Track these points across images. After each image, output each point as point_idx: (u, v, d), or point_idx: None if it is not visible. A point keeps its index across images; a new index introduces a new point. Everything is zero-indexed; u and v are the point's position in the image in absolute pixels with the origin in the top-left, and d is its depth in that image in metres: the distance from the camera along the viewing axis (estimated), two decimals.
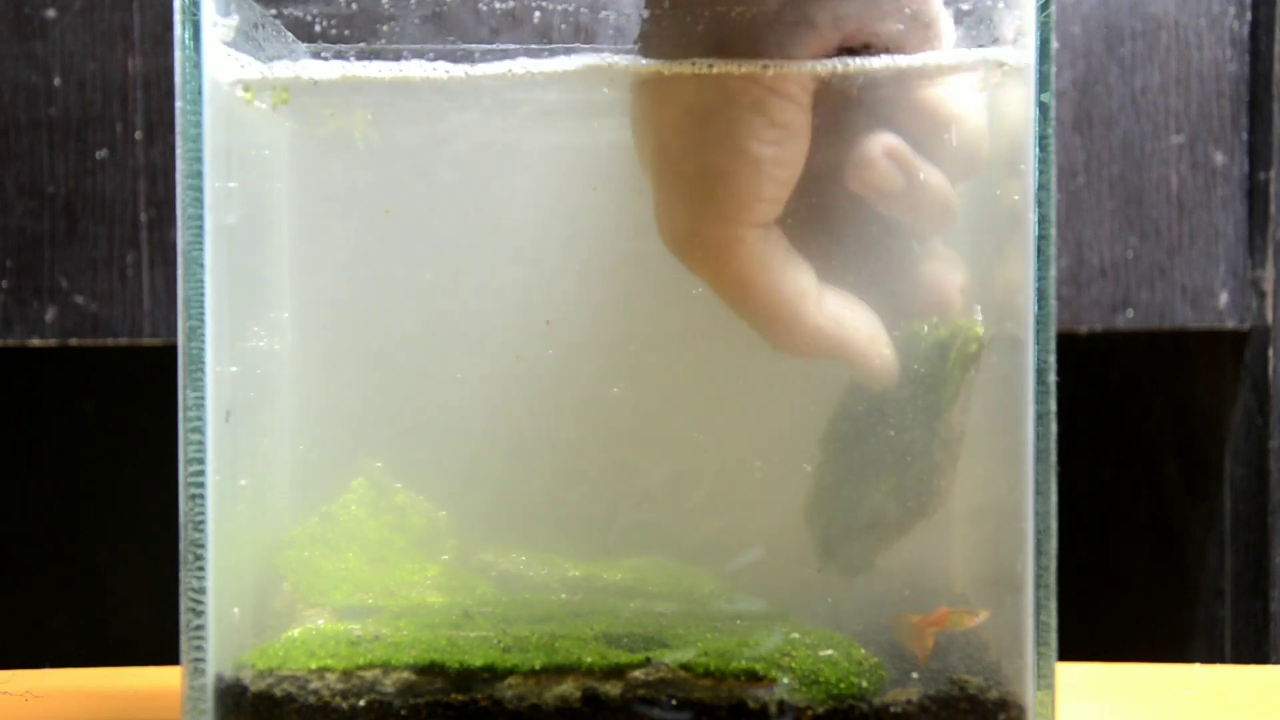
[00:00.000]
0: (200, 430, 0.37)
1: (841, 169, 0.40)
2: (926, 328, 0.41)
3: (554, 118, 0.43)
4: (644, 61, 0.39)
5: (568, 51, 0.40)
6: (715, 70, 0.39)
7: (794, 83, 0.39)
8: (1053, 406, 0.37)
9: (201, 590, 0.37)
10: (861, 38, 0.39)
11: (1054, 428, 0.37)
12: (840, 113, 0.40)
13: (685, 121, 0.40)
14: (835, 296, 0.41)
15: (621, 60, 0.39)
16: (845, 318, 0.41)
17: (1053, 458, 0.37)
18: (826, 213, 0.41)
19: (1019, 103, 0.38)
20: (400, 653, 0.38)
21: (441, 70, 0.39)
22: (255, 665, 0.38)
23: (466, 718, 0.37)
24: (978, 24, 0.41)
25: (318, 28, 0.42)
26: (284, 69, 0.40)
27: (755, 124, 0.39)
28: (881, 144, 0.40)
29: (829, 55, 0.39)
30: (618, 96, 0.42)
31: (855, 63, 0.39)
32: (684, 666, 0.37)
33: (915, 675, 0.38)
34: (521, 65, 0.39)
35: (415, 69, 0.40)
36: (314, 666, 0.38)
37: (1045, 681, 0.37)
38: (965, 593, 0.43)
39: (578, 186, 0.44)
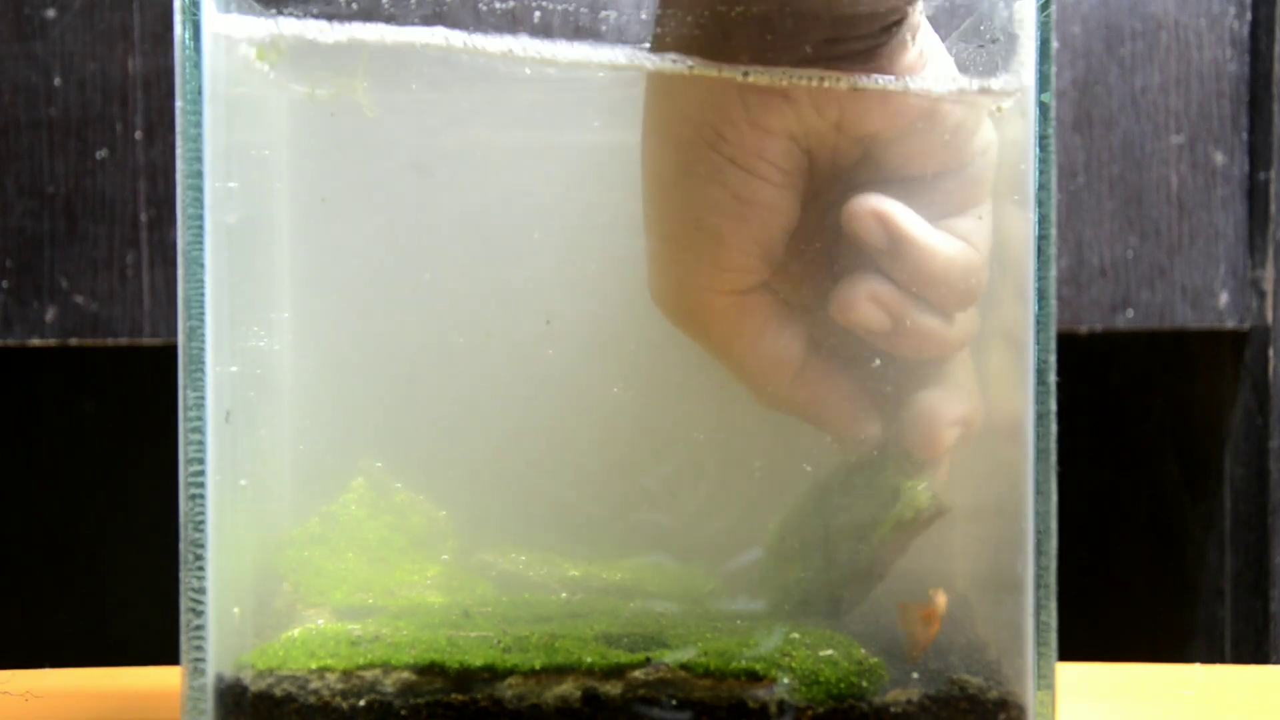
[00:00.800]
0: (200, 430, 0.37)
1: (830, 294, 0.39)
2: (864, 474, 0.41)
3: (555, 116, 0.43)
4: (653, 58, 0.39)
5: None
6: (695, 71, 0.38)
7: (758, 156, 0.38)
8: (1053, 406, 0.37)
9: (201, 590, 0.37)
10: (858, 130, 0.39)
11: (1054, 428, 0.37)
12: (833, 185, 0.40)
13: (659, 185, 0.40)
14: (819, 365, 0.41)
15: (623, 54, 0.39)
16: (822, 391, 0.41)
17: (1053, 458, 0.37)
18: (822, 278, 0.40)
19: (1019, 225, 0.38)
20: (400, 653, 0.38)
21: (440, 36, 0.39)
22: (255, 665, 0.38)
23: (466, 718, 0.37)
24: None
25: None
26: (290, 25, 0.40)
27: (713, 195, 0.38)
28: (866, 289, 0.39)
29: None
30: (619, 94, 0.42)
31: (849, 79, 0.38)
32: (684, 666, 0.37)
33: (915, 675, 0.38)
34: (528, 46, 0.39)
35: (414, 35, 0.39)
36: (314, 666, 0.38)
37: (1045, 681, 0.37)
38: (966, 593, 0.43)
39: (578, 185, 0.44)
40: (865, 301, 0.39)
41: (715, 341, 0.41)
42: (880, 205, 0.38)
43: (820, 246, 0.40)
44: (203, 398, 0.37)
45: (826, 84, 0.37)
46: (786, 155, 0.39)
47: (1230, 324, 0.67)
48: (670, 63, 0.38)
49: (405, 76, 0.42)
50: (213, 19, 0.37)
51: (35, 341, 0.65)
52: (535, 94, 0.43)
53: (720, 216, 0.39)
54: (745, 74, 0.38)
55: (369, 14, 0.41)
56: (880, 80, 0.38)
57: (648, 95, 0.40)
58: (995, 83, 0.39)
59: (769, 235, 0.39)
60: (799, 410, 0.41)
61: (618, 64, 0.39)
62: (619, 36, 0.44)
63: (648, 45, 0.39)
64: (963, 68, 0.41)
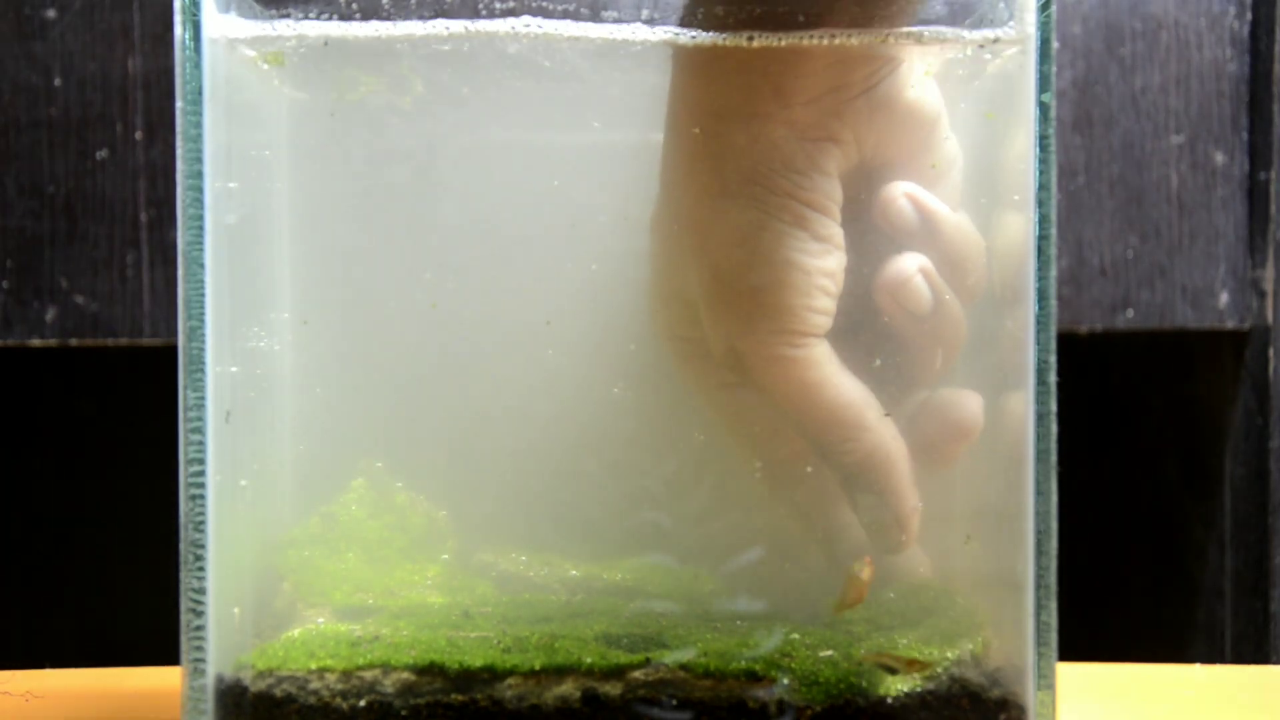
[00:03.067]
0: (200, 430, 0.37)
1: (872, 286, 0.41)
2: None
3: (555, 116, 0.43)
4: (688, 34, 0.39)
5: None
6: (755, 44, 0.39)
7: (829, 198, 0.40)
8: (1053, 406, 0.37)
9: (201, 590, 0.37)
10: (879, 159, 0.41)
11: (1054, 428, 0.37)
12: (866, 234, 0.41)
13: (732, 240, 0.40)
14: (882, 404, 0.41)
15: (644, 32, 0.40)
16: (897, 435, 0.41)
17: (1053, 458, 0.37)
18: (862, 332, 0.41)
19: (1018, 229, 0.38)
20: (400, 653, 0.38)
21: (441, 27, 0.39)
22: (255, 665, 0.38)
23: (466, 718, 0.37)
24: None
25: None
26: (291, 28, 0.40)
27: (799, 238, 0.40)
28: (917, 262, 0.40)
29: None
30: (620, 93, 0.42)
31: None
32: (684, 666, 0.37)
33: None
34: (533, 24, 0.39)
35: (419, 27, 0.40)
36: (314, 667, 0.38)
37: (1045, 681, 0.37)
38: (968, 596, 0.43)
39: (579, 185, 0.44)
40: (917, 276, 0.40)
41: (803, 389, 0.40)
42: (910, 188, 0.41)
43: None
44: (203, 398, 0.37)
45: (839, 41, 0.39)
46: (839, 193, 0.41)
47: (1230, 324, 0.67)
48: (676, 35, 0.39)
49: (407, 77, 0.42)
50: (214, 20, 0.37)
51: (35, 341, 0.65)
52: (536, 93, 0.43)
53: (808, 256, 0.40)
54: (750, 39, 0.39)
55: (369, 13, 0.41)
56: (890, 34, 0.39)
57: (686, 159, 0.41)
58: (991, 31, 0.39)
59: (840, 275, 0.41)
60: (879, 453, 0.41)
61: (614, 39, 0.39)
62: None
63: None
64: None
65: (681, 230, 0.41)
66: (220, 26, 0.38)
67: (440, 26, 0.39)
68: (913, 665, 0.38)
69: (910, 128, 0.40)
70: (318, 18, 0.40)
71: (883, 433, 0.41)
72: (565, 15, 0.40)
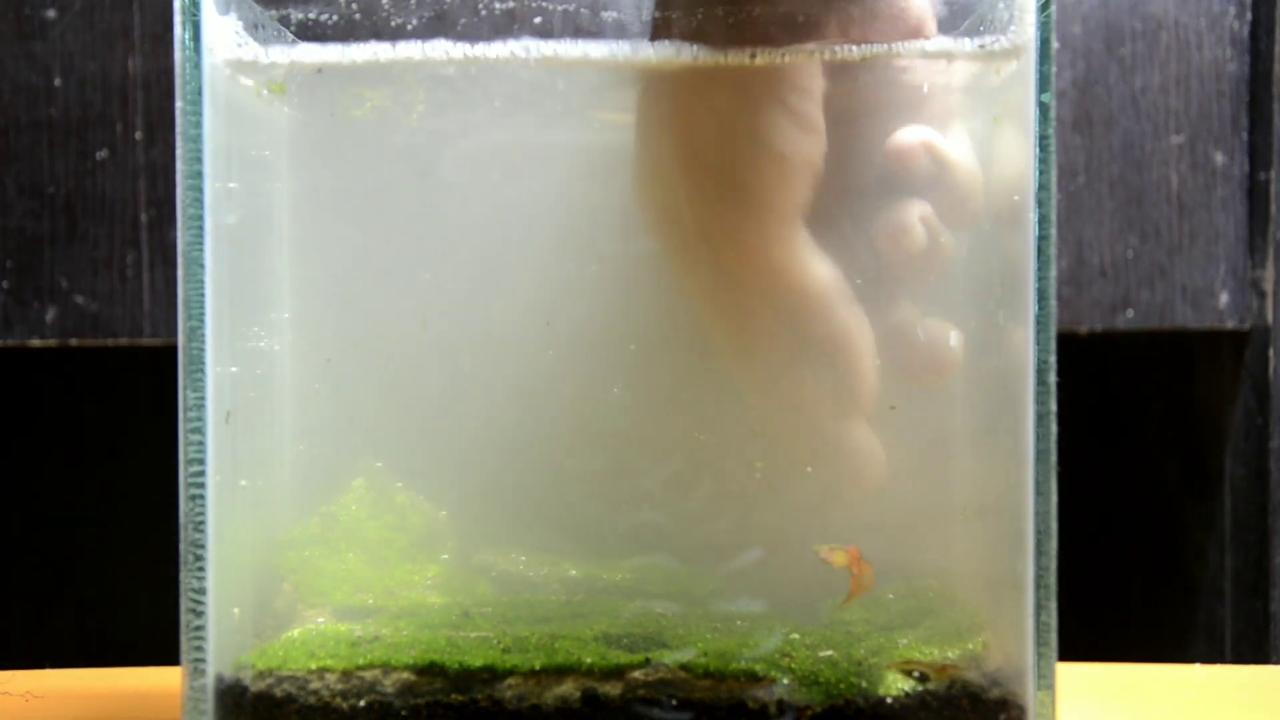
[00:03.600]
0: (200, 430, 0.37)
1: (870, 226, 0.41)
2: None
3: (556, 116, 0.43)
4: (661, 50, 0.39)
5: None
6: (732, 61, 0.39)
7: (811, 79, 0.40)
8: (1053, 406, 0.37)
9: (201, 590, 0.37)
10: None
11: (1054, 428, 0.37)
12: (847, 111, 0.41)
13: (711, 121, 0.40)
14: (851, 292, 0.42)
15: (636, 51, 0.40)
16: (864, 321, 0.42)
17: (1053, 458, 0.37)
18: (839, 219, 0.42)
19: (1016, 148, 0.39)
20: (400, 653, 0.38)
21: (441, 51, 0.39)
22: (255, 665, 0.38)
23: (466, 718, 0.37)
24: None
25: (318, 29, 0.42)
26: (284, 54, 0.40)
27: (781, 120, 0.40)
28: (916, 212, 0.41)
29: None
30: (620, 93, 0.42)
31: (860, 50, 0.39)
32: (684, 667, 0.37)
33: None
34: (531, 48, 0.39)
35: (415, 49, 0.40)
36: (314, 667, 0.38)
37: (1045, 681, 0.37)
38: (968, 596, 0.43)
39: (578, 185, 0.44)
40: (918, 225, 0.41)
41: (776, 269, 0.41)
42: (925, 136, 0.41)
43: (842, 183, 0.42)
44: (203, 398, 0.37)
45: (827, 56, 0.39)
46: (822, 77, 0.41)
47: (1230, 324, 0.67)
48: (674, 52, 0.39)
49: (410, 89, 0.42)
50: (212, 46, 0.37)
51: (35, 342, 0.65)
52: (534, 93, 0.43)
53: (787, 138, 0.40)
54: (753, 55, 0.39)
55: (369, 13, 0.41)
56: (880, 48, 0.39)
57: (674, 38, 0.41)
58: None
59: (819, 158, 0.41)
60: (847, 336, 0.41)
61: (618, 59, 0.39)
62: (620, 35, 0.44)
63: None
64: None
65: (661, 104, 0.41)
66: (219, 52, 0.38)
67: (439, 50, 0.39)
68: (943, 671, 0.38)
69: (896, 28, 0.40)
70: (316, 16, 0.40)
71: (849, 317, 0.41)
72: (565, 15, 0.40)
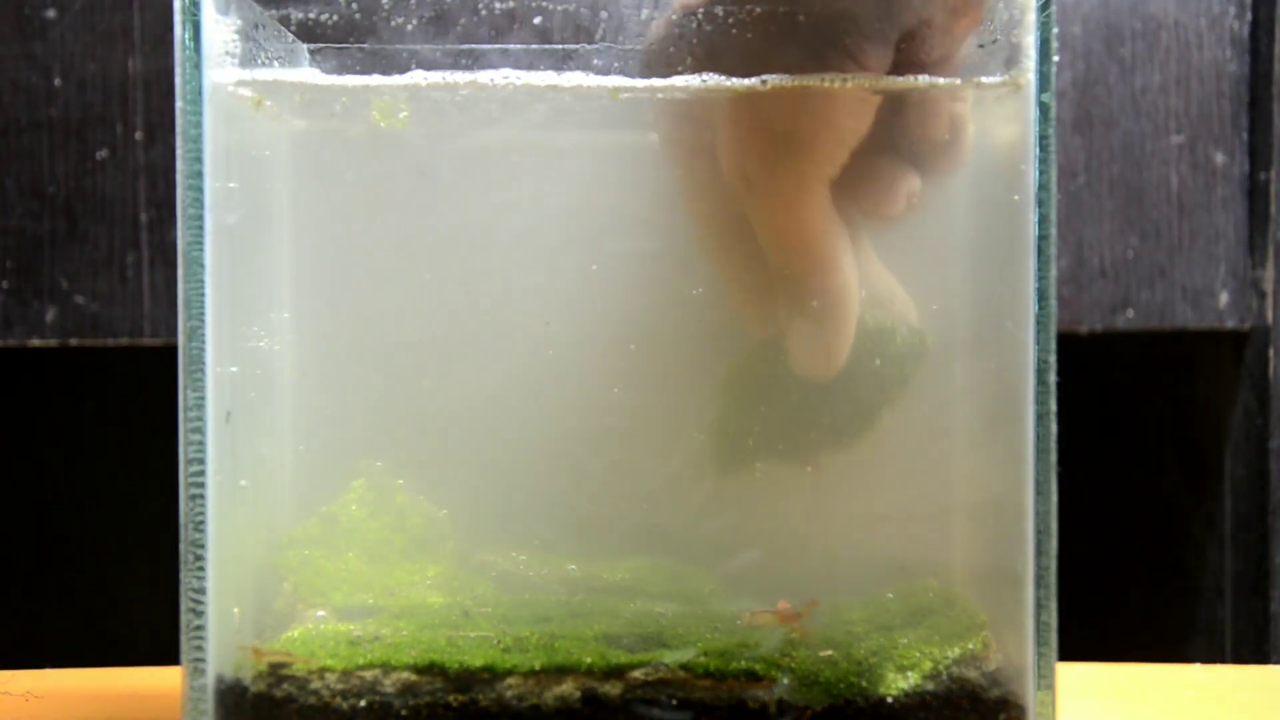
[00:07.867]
0: (200, 430, 0.37)
1: (860, 191, 0.42)
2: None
3: (556, 119, 0.43)
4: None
5: (567, 56, 0.40)
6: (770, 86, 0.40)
7: (880, 63, 0.41)
8: (1053, 406, 0.37)
9: (201, 590, 0.37)
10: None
11: (1054, 428, 0.37)
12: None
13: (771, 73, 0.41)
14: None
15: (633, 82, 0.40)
16: (858, 286, 0.43)
17: (1053, 458, 0.37)
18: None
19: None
20: (400, 653, 0.38)
21: (455, 78, 0.40)
22: (255, 665, 0.38)
23: (466, 718, 0.37)
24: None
25: (318, 29, 0.42)
26: (285, 75, 0.40)
27: (842, 96, 0.41)
28: (907, 185, 0.42)
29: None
30: (623, 99, 0.41)
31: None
32: (684, 667, 0.37)
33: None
34: (544, 78, 0.40)
35: (421, 77, 0.40)
36: (314, 667, 0.38)
37: (1045, 681, 0.37)
38: (967, 595, 0.43)
39: (578, 186, 0.44)
40: (904, 199, 0.42)
41: (801, 225, 0.42)
42: (913, 187, 0.42)
43: None
44: (203, 398, 0.37)
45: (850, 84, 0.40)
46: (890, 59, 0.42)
47: (1230, 324, 0.67)
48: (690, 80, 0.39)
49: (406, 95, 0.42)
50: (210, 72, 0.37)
51: (35, 342, 0.65)
52: (535, 98, 0.43)
53: (847, 113, 0.41)
54: (764, 82, 0.39)
55: (369, 12, 0.41)
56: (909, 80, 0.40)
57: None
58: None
59: (861, 135, 0.42)
60: (846, 298, 0.43)
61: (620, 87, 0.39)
62: (619, 34, 0.44)
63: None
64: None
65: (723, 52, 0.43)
66: (216, 75, 0.38)
67: (421, 78, 0.40)
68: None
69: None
70: (316, 16, 0.40)
71: (850, 279, 0.42)
72: (565, 15, 0.40)
